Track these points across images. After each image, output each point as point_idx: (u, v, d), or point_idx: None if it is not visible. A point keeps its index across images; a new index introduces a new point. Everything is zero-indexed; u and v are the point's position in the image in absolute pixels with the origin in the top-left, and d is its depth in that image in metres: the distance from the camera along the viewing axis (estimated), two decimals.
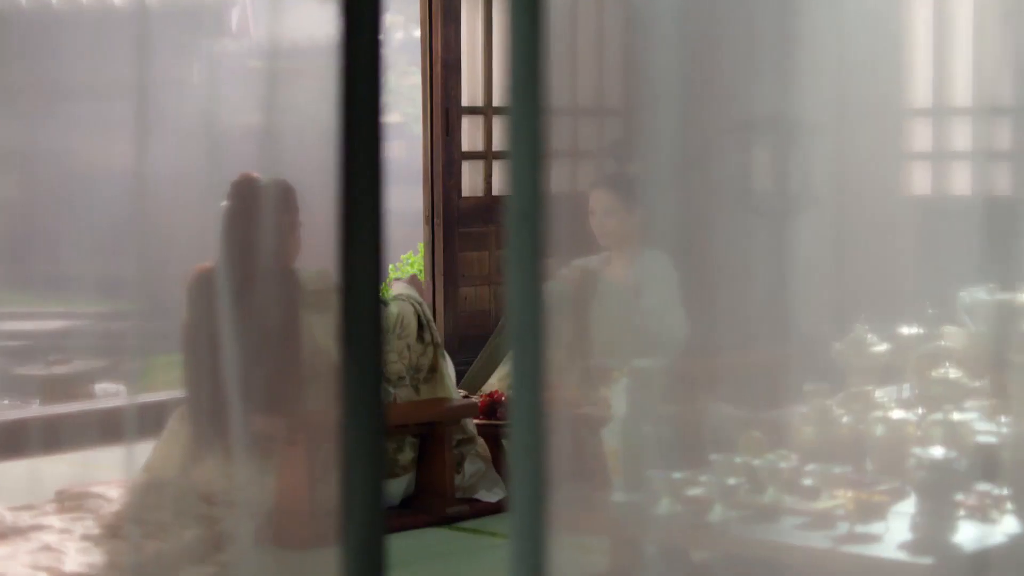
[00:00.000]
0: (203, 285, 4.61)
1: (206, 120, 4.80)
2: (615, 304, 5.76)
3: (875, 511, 3.57)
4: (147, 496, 4.57)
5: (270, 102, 5.21)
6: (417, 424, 4.67)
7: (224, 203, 4.68)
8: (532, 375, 1.16)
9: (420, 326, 4.93)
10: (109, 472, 4.91)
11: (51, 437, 5.34)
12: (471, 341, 7.44)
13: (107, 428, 5.17)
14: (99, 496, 4.78)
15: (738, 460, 3.90)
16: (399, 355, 4.84)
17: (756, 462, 3.86)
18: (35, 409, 6.38)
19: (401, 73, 14.80)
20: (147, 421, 4.86)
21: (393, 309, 4.89)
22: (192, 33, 5.58)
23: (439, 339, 5.10)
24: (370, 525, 1.10)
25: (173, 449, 4.63)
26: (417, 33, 7.58)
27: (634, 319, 5.68)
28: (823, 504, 3.70)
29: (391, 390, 4.82)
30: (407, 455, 4.75)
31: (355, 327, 1.10)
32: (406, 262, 7.90)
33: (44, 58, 5.98)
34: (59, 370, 7.09)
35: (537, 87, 1.18)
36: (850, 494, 3.57)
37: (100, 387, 7.00)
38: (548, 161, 1.24)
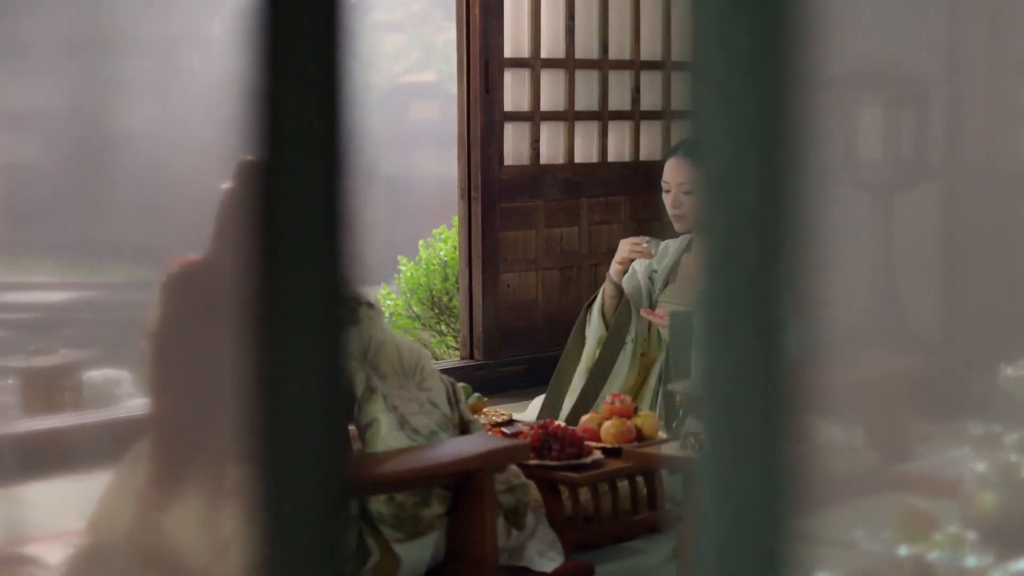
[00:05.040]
0: (183, 284, 3.60)
1: (231, 78, 4.31)
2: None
3: None
4: (90, 566, 3.50)
5: None
6: (448, 474, 3.54)
7: (225, 185, 3.65)
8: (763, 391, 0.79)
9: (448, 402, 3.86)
10: (72, 515, 3.97)
11: (12, 462, 4.62)
12: (514, 337, 6.40)
13: (89, 446, 4.82)
14: (33, 561, 3.73)
15: (903, 552, 2.74)
16: (420, 407, 3.71)
17: (932, 555, 2.70)
18: None
19: (436, 28, 13.96)
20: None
21: (416, 352, 3.80)
22: None
23: (469, 417, 3.97)
24: None
25: (125, 502, 3.55)
26: None
27: None
28: None
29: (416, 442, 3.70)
30: (434, 509, 3.62)
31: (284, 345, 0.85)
32: (439, 237, 6.99)
33: (60, 11, 5.69)
34: (41, 361, 6.49)
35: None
36: None
37: (100, 373, 6.44)
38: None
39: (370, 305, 3.71)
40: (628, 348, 4.55)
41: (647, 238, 4.68)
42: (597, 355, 4.52)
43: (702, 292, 0.82)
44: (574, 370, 4.60)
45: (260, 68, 0.85)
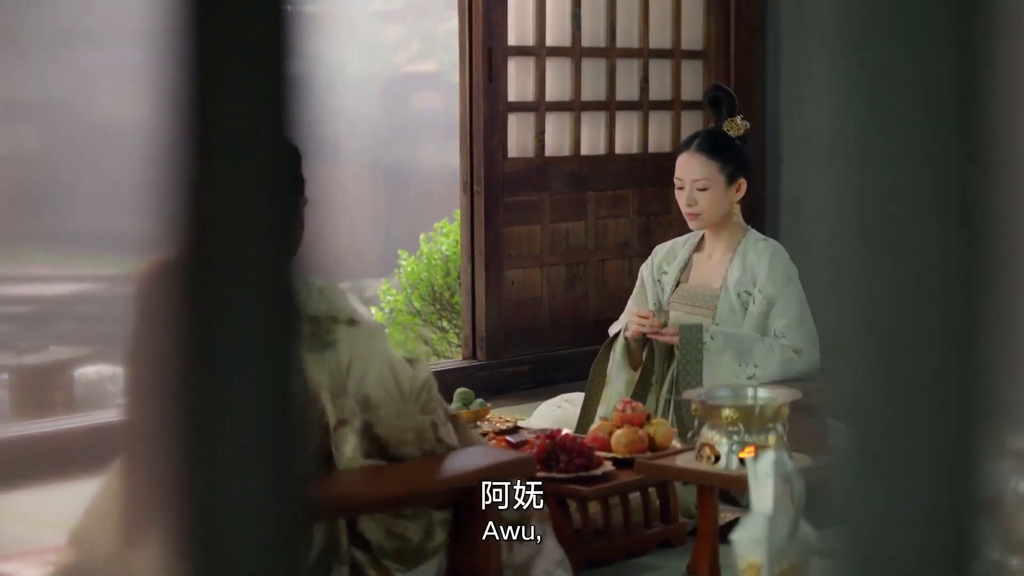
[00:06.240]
0: (156, 284, 3.36)
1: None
2: (711, 307, 4.40)
3: None
4: None
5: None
6: (447, 491, 3.33)
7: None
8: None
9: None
10: (54, 527, 3.78)
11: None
12: (519, 336, 6.22)
13: (76, 451, 4.63)
14: None
15: None
16: (419, 434, 3.41)
17: None
18: None
19: (437, 18, 13.81)
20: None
21: (421, 371, 3.48)
22: None
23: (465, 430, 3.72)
24: None
25: (108, 517, 3.33)
26: None
27: (746, 335, 4.31)
28: None
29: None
30: (437, 539, 3.40)
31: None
32: (440, 231, 6.84)
33: (55, 1, 5.71)
34: (32, 358, 6.43)
35: None
36: None
37: (94, 370, 6.37)
38: None
39: (351, 322, 3.35)
40: (654, 388, 4.32)
41: (653, 308, 4.42)
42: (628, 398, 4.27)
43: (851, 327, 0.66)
44: (595, 411, 4.37)
45: (195, 53, 0.75)
